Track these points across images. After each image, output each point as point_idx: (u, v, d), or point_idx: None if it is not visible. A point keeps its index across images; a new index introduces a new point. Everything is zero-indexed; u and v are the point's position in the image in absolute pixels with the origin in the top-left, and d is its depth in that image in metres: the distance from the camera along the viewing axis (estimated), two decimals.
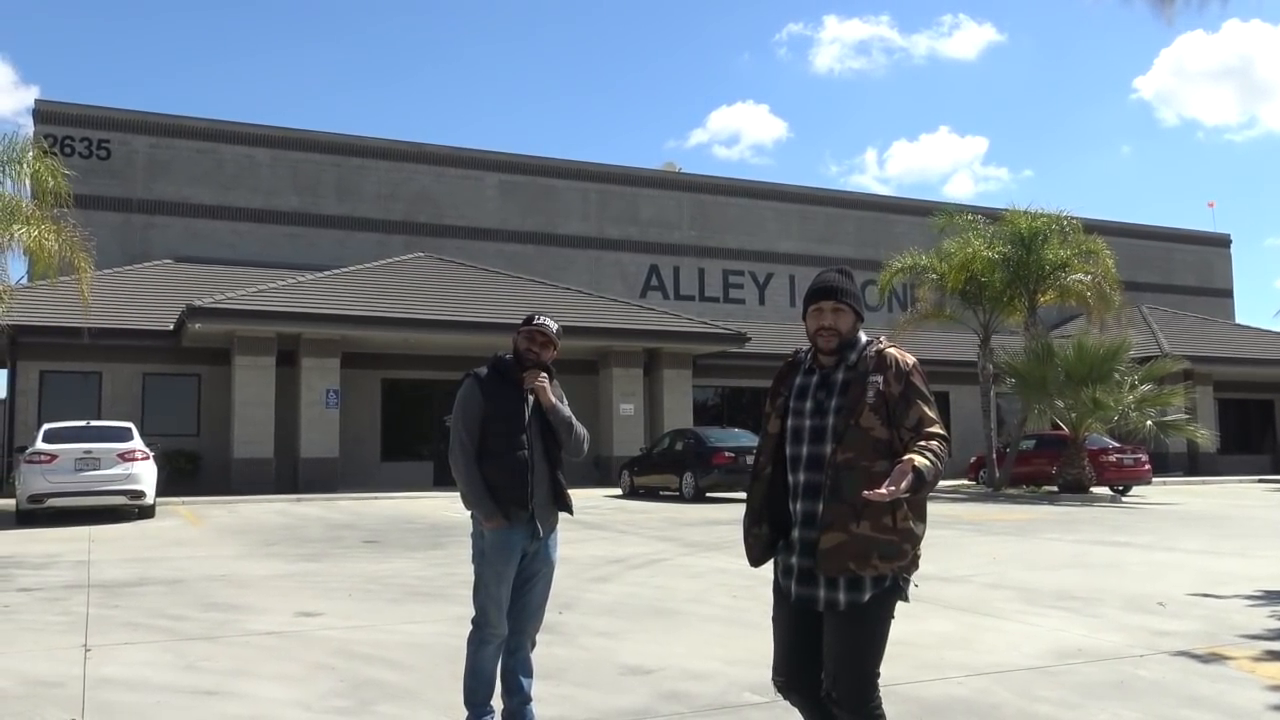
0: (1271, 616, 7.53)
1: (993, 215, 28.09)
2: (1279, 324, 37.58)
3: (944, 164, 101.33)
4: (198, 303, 23.07)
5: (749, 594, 8.40)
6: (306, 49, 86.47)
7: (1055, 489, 24.37)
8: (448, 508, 17.97)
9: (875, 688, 3.23)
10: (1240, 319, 45.66)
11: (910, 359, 3.33)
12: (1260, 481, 31.44)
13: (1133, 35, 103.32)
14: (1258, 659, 6.09)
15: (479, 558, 4.45)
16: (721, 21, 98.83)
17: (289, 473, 24.69)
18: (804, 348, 3.55)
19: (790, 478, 3.37)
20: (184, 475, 24.27)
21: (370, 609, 7.95)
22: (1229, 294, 47.49)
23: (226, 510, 18.90)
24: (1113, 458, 24.67)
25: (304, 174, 32.15)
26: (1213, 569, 10.28)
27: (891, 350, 3.34)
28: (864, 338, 3.43)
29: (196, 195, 30.79)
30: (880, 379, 3.25)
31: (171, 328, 24.63)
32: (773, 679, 3.47)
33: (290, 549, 12.36)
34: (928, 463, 3.05)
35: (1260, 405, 39.74)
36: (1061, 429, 25.11)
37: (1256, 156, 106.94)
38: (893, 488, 2.96)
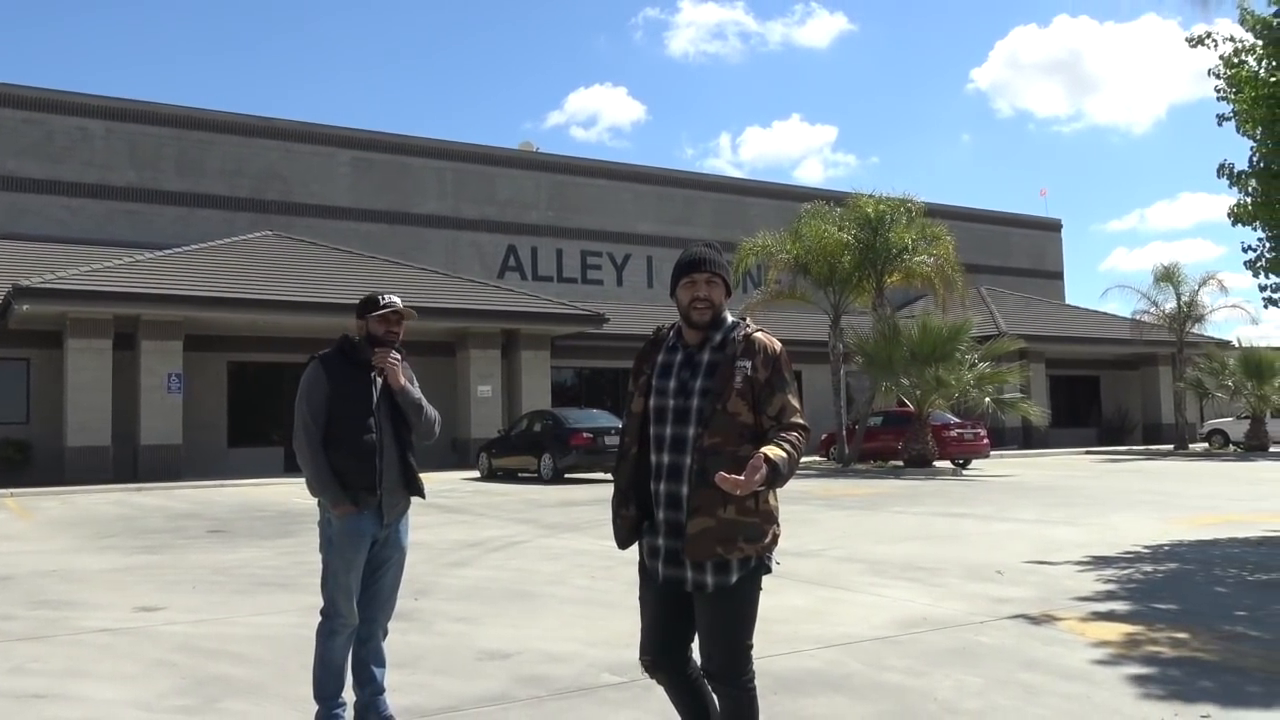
0: (1098, 580, 7.99)
1: (840, 200, 28.90)
2: (1105, 305, 39.87)
3: (795, 149, 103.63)
4: (25, 282, 21.73)
5: (607, 575, 8.44)
6: (144, 14, 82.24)
7: (901, 464, 25.29)
8: (298, 494, 17.41)
9: (749, 659, 3.30)
10: (1070, 300, 48.35)
11: (777, 345, 3.36)
12: (1088, 453, 33.36)
13: (970, 27, 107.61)
14: (1085, 619, 6.46)
15: (327, 546, 4.32)
16: (578, 3, 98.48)
17: (128, 461, 23.57)
18: (665, 325, 3.53)
19: (653, 458, 3.35)
20: (13, 465, 23.02)
21: (215, 601, 7.65)
22: (1060, 276, 50.14)
23: (59, 501, 17.92)
24: (954, 433, 25.81)
25: (143, 148, 30.58)
26: (1046, 537, 10.84)
27: (760, 335, 3.35)
28: (729, 318, 3.43)
29: (23, 168, 28.94)
30: (749, 364, 3.26)
31: None
32: (640, 658, 3.47)
33: (128, 541, 11.80)
34: (784, 454, 3.10)
35: (1087, 381, 42.18)
36: (907, 406, 26.07)
37: (1083, 147, 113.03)
38: (744, 479, 2.99)
